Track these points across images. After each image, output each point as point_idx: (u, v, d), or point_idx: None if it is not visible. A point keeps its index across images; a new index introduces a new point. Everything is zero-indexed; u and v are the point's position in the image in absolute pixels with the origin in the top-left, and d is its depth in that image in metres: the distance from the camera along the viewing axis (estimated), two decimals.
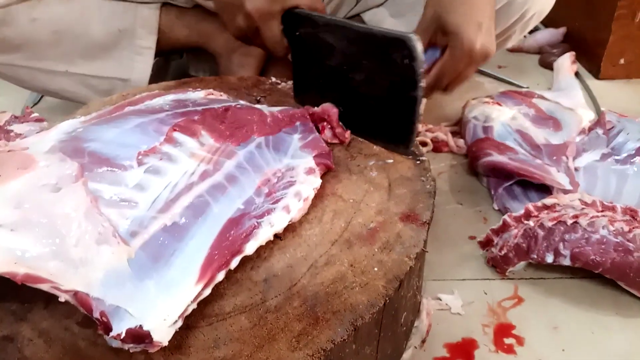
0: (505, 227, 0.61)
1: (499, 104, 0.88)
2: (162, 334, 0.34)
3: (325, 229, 0.46)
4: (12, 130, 0.78)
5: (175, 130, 0.48)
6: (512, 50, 1.21)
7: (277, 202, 0.46)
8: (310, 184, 0.48)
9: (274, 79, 0.74)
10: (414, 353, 0.53)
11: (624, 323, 0.56)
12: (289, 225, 0.46)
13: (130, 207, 0.39)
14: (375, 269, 0.42)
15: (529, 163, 0.72)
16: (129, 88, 0.85)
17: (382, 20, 0.87)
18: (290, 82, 0.72)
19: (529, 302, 0.59)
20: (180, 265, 0.39)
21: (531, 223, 0.59)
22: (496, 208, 0.72)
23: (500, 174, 0.73)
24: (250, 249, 0.42)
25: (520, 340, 0.55)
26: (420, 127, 0.89)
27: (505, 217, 0.61)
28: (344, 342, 0.37)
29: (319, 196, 0.50)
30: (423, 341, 0.55)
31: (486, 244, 0.63)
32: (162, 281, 0.37)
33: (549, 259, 0.57)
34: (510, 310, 0.58)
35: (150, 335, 0.33)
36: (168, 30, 0.87)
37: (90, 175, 0.40)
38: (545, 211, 0.60)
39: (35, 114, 0.86)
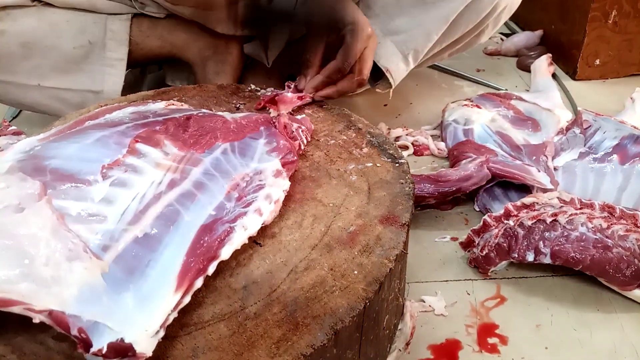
0: (485, 227, 0.61)
1: (478, 107, 0.89)
2: (145, 345, 0.33)
3: (305, 234, 0.46)
4: None
5: (137, 141, 0.47)
6: (490, 54, 1.22)
7: (248, 205, 0.45)
8: (279, 186, 0.48)
9: (253, 86, 0.74)
10: (398, 356, 0.53)
11: (606, 319, 0.57)
12: (268, 231, 0.46)
13: (99, 222, 0.39)
14: (355, 272, 0.42)
15: (509, 164, 0.73)
16: (102, 100, 0.84)
17: None
18: (269, 89, 0.72)
19: (512, 302, 0.59)
20: (157, 275, 0.38)
21: (511, 222, 0.59)
22: (477, 209, 0.72)
23: None
24: (225, 253, 0.41)
25: (503, 340, 0.55)
26: (401, 131, 0.89)
27: (486, 217, 0.62)
28: (325, 346, 0.37)
29: (299, 201, 0.50)
30: (407, 344, 0.54)
31: (467, 244, 0.64)
32: (139, 293, 0.37)
33: (530, 257, 0.58)
34: (493, 310, 0.58)
35: (133, 348, 0.33)
36: (140, 42, 0.86)
37: (54, 193, 0.39)
38: (525, 210, 0.60)
39: (13, 127, 0.84)
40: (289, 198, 0.50)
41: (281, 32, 0.89)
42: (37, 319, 0.32)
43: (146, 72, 1.07)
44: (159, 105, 0.59)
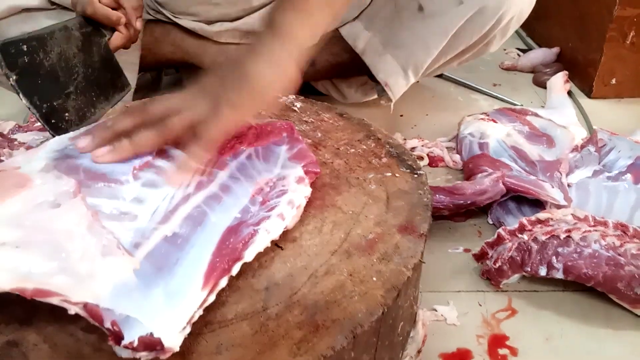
0: (499, 240, 0.63)
1: (494, 121, 0.90)
2: (173, 340, 0.35)
3: (325, 240, 0.48)
4: (15, 139, 0.79)
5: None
6: (506, 69, 1.23)
7: (271, 209, 0.47)
8: (301, 193, 0.50)
9: None
10: None
11: (615, 335, 0.57)
12: (289, 235, 0.48)
13: (131, 220, 0.40)
14: (374, 278, 0.43)
15: (524, 179, 0.74)
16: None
17: (357, 33, 0.89)
18: (291, 96, 0.74)
19: (523, 314, 0.60)
20: (184, 273, 0.40)
21: (525, 237, 0.60)
22: (490, 222, 0.74)
23: None
24: (249, 255, 0.43)
25: (513, 351, 0.56)
26: (417, 142, 0.90)
27: (500, 230, 0.63)
28: (343, 349, 0.38)
29: (319, 207, 0.52)
30: (419, 351, 0.55)
31: (481, 256, 0.65)
32: (168, 289, 0.38)
33: (542, 272, 0.59)
34: (504, 321, 0.59)
35: (162, 342, 0.34)
36: (152, 47, 0.89)
37: (87, 191, 0.41)
38: (539, 225, 0.61)
39: (38, 124, 0.87)
40: (309, 204, 0.52)
41: None
42: (72, 310, 0.34)
43: (161, 75, 1.09)
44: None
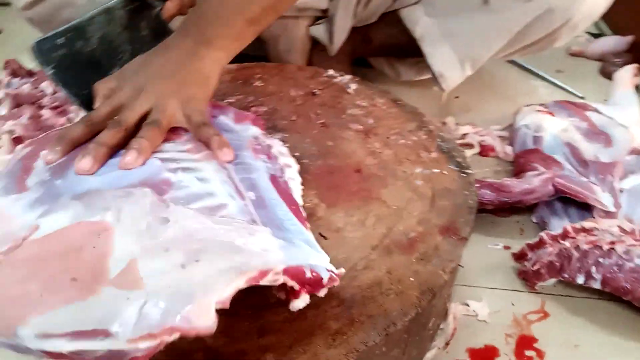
0: (541, 243, 0.63)
1: (552, 114, 0.87)
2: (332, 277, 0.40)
3: (367, 233, 0.49)
4: None
5: None
6: (573, 54, 1.18)
7: (276, 159, 0.52)
8: (275, 142, 0.55)
9: (331, 72, 0.76)
10: (437, 353, 0.57)
11: None
12: (333, 225, 0.50)
13: (226, 209, 0.42)
14: (411, 278, 0.45)
15: (574, 180, 0.73)
16: None
17: (417, 18, 0.86)
18: (346, 76, 0.74)
19: (554, 318, 0.61)
20: (292, 225, 0.43)
21: (567, 243, 0.60)
22: (534, 221, 0.73)
23: None
24: (300, 200, 0.49)
25: (540, 354, 0.57)
26: (469, 129, 0.90)
27: (543, 234, 0.63)
28: (376, 345, 0.41)
29: (365, 199, 0.53)
30: (447, 343, 0.58)
31: (520, 257, 0.65)
32: (299, 239, 0.42)
33: (580, 280, 0.59)
34: (535, 323, 0.60)
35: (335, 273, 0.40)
36: None
37: (164, 200, 0.41)
38: (583, 234, 0.61)
39: None
40: (355, 195, 0.54)
41: (347, 18, 0.90)
42: (279, 280, 0.36)
43: None
44: None
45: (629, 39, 1.15)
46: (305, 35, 0.95)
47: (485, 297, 0.62)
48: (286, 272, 0.36)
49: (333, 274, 0.40)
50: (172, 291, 0.31)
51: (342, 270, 0.41)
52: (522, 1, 0.76)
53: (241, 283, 0.33)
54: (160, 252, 0.35)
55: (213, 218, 0.39)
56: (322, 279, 0.38)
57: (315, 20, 0.95)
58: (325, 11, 0.93)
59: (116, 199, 0.38)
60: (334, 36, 0.91)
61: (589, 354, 0.57)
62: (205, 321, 0.30)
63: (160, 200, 0.39)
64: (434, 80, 0.87)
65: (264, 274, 0.34)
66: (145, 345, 0.29)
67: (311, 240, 0.43)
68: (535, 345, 0.58)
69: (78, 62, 0.55)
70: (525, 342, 0.58)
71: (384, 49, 0.96)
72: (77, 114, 0.75)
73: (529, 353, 0.57)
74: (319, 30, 0.93)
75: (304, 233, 0.43)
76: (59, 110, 0.75)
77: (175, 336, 0.29)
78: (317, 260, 0.40)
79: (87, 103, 0.54)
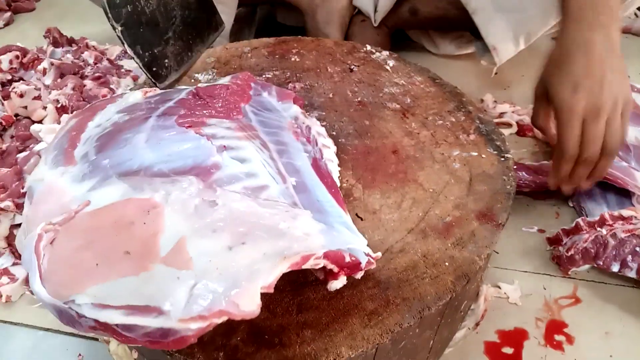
0: (577, 229, 0.62)
1: None
2: (370, 260, 0.41)
3: (403, 216, 0.50)
4: (122, 66, 0.85)
5: (199, 125, 0.48)
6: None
7: (316, 143, 0.52)
8: (314, 123, 0.55)
9: (369, 47, 0.75)
10: (467, 333, 0.58)
11: None
12: (370, 206, 0.51)
13: (268, 190, 0.42)
14: (447, 263, 0.46)
15: (614, 165, 0.71)
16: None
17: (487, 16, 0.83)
18: (384, 52, 0.74)
19: (586, 304, 0.61)
20: (331, 208, 0.45)
21: (604, 231, 0.60)
22: (571, 205, 0.73)
23: None
24: (337, 181, 0.50)
25: (570, 339, 0.58)
26: (508, 107, 0.88)
27: (579, 220, 0.63)
28: (410, 327, 0.42)
29: (401, 181, 0.54)
30: (477, 324, 0.59)
31: (554, 241, 0.65)
32: (338, 222, 0.43)
33: (615, 268, 0.59)
34: (566, 309, 0.61)
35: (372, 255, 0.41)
36: None
37: (210, 184, 0.41)
38: (621, 222, 0.60)
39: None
40: (392, 176, 0.54)
41: None
42: (320, 264, 0.37)
43: (257, 8, 1.10)
44: (137, 95, 0.55)
45: None
46: (345, 7, 0.94)
47: (518, 280, 0.63)
48: (326, 256, 0.37)
49: (370, 258, 0.41)
50: (220, 273, 0.33)
51: (379, 254, 0.42)
52: None
53: (284, 268, 0.34)
54: (209, 232, 0.36)
55: (258, 201, 0.40)
56: (360, 262, 0.40)
57: None
58: None
59: (164, 184, 0.39)
60: (379, 6, 0.90)
61: (620, 342, 0.57)
62: (251, 305, 0.31)
63: (207, 186, 0.40)
64: (481, 54, 0.85)
65: (306, 258, 0.35)
66: (196, 325, 0.30)
67: (349, 223, 0.44)
68: (565, 330, 0.58)
69: (141, 22, 0.56)
70: (555, 327, 0.59)
71: (430, 22, 0.94)
72: (118, 85, 0.77)
73: (558, 338, 0.58)
74: (363, 1, 0.92)
75: (342, 216, 0.44)
76: (101, 81, 0.76)
77: (223, 319, 0.31)
78: (355, 244, 0.41)
79: (149, 65, 0.56)
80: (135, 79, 0.80)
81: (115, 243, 0.37)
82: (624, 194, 0.70)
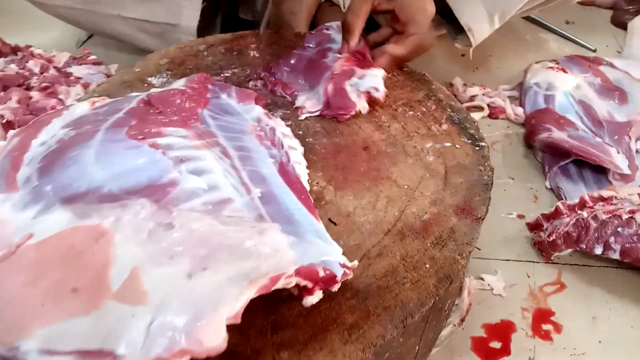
0: (557, 214, 0.61)
1: (564, 71, 0.84)
2: (346, 272, 0.38)
3: (378, 217, 0.47)
4: (71, 73, 0.80)
5: (144, 138, 0.44)
6: (583, 3, 1.12)
7: (282, 146, 0.49)
8: (279, 123, 0.53)
9: None
10: (453, 330, 0.56)
11: None
12: (343, 210, 0.48)
13: (231, 202, 0.39)
14: (427, 265, 0.43)
15: (588, 142, 0.70)
16: (179, 34, 0.85)
17: None
18: None
19: (571, 290, 0.60)
20: (301, 216, 0.41)
21: (585, 214, 0.58)
22: (548, 186, 0.71)
23: (557, 151, 0.71)
24: (307, 185, 0.47)
25: (558, 328, 0.56)
26: (478, 90, 0.86)
27: (559, 204, 0.61)
28: (393, 338, 0.39)
29: (374, 179, 0.51)
30: (462, 320, 0.57)
31: (535, 227, 0.63)
32: (310, 232, 0.40)
33: (598, 250, 0.57)
34: (552, 296, 0.59)
35: (348, 266, 0.38)
36: None
37: (166, 204, 0.38)
38: (601, 203, 0.59)
39: (93, 57, 0.87)
40: (364, 175, 0.51)
41: None
42: (292, 283, 0.34)
43: (221, 3, 1.05)
44: (84, 106, 0.51)
45: None
46: None
47: (500, 270, 0.61)
48: (298, 273, 0.34)
49: (346, 270, 0.38)
50: (179, 306, 0.30)
51: (355, 263, 0.39)
52: None
53: (252, 294, 0.31)
54: (165, 259, 0.33)
55: (221, 218, 0.37)
56: (335, 276, 0.37)
57: None
58: None
59: (113, 208, 0.36)
60: None
61: (608, 326, 0.56)
62: (216, 340, 0.28)
63: (162, 207, 0.36)
64: (453, 37, 0.82)
65: (275, 279, 0.32)
66: None
67: (322, 231, 0.41)
68: (552, 318, 0.57)
69: None
70: (542, 316, 0.57)
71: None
72: (68, 94, 0.72)
73: (546, 327, 0.56)
74: None
75: (314, 224, 0.41)
76: (49, 92, 0.71)
77: (185, 358, 0.27)
78: (329, 254, 0.38)
79: None
80: (85, 86, 0.75)
81: (62, 278, 0.34)
82: (600, 171, 0.69)
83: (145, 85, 0.64)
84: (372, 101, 0.59)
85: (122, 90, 0.62)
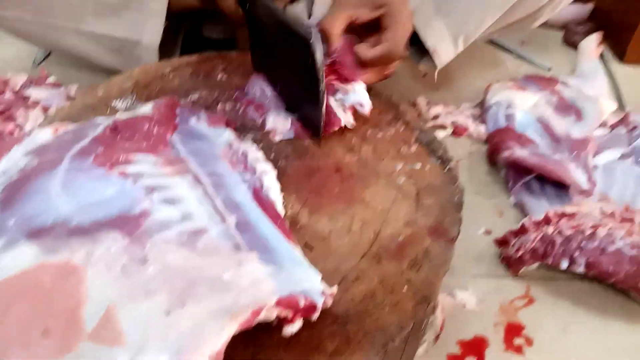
0: (523, 230, 0.62)
1: (523, 89, 0.87)
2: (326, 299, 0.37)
3: (354, 240, 0.47)
4: (29, 97, 0.77)
5: (112, 166, 0.44)
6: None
7: (254, 171, 0.49)
8: (249, 145, 0.52)
9: None
10: (428, 347, 0.56)
11: (632, 329, 0.58)
12: (319, 233, 0.47)
13: (206, 232, 0.39)
14: (405, 287, 0.43)
15: (549, 158, 0.72)
16: (140, 51, 0.82)
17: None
18: None
19: (540, 303, 0.61)
20: (278, 244, 0.41)
21: (550, 230, 0.60)
22: (513, 202, 0.73)
23: (520, 168, 0.73)
24: (281, 210, 0.47)
25: (529, 341, 0.57)
26: (441, 109, 0.88)
27: (525, 220, 0.63)
28: None
29: (348, 202, 0.51)
30: (437, 337, 0.57)
31: (502, 243, 0.65)
32: (287, 259, 0.39)
33: (564, 265, 0.59)
34: (522, 310, 0.60)
35: (329, 294, 0.38)
36: None
37: (139, 236, 0.37)
38: (565, 218, 0.61)
39: (52, 77, 0.84)
40: (338, 197, 0.51)
41: None
42: (273, 315, 0.34)
43: (182, 23, 1.04)
44: (47, 133, 0.50)
45: (589, 6, 1.15)
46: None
47: (471, 285, 0.62)
48: (279, 303, 0.34)
49: (326, 298, 0.37)
50: (158, 345, 0.29)
51: (335, 289, 0.39)
52: None
53: (233, 329, 0.30)
54: (141, 296, 0.31)
55: (196, 250, 0.36)
56: (316, 305, 0.36)
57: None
58: None
59: (84, 243, 0.34)
60: (313, 14, 0.87)
61: (578, 337, 0.58)
62: None
63: (134, 240, 0.35)
64: (417, 60, 0.84)
65: (257, 313, 0.32)
66: None
67: (300, 257, 0.41)
68: (524, 332, 0.58)
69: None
70: (513, 330, 0.58)
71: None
72: (26, 119, 0.69)
73: (518, 341, 0.57)
74: (297, 9, 0.88)
75: (291, 250, 0.41)
76: (6, 116, 0.68)
77: None
78: (309, 282, 0.38)
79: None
80: (45, 109, 0.72)
81: (31, 318, 0.32)
82: (561, 186, 0.71)
83: (110, 109, 0.62)
84: (355, 117, 0.59)
85: (85, 115, 0.60)
